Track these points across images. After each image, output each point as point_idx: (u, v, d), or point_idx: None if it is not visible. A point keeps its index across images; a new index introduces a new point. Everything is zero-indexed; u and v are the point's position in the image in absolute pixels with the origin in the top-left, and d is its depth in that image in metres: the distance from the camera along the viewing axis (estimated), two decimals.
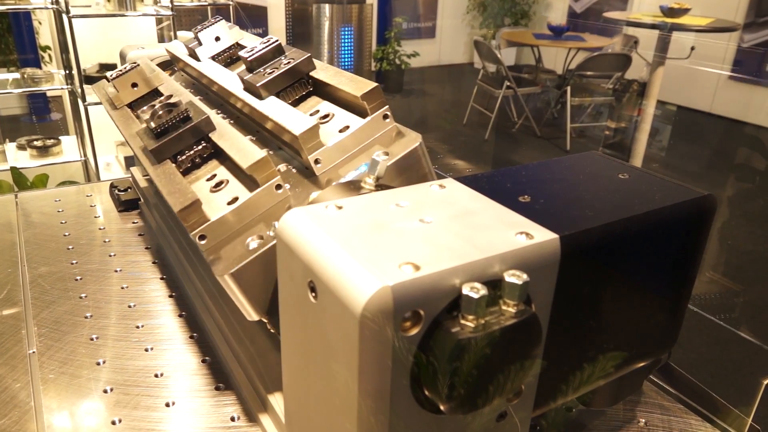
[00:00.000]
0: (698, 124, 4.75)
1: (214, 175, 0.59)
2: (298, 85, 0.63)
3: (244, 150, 0.55)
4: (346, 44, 5.06)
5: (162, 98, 0.62)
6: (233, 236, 0.51)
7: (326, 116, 0.60)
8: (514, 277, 0.35)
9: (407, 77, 5.76)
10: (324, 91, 0.63)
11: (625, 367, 0.49)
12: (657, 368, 0.60)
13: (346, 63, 5.13)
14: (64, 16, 2.34)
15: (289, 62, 0.62)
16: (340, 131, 0.56)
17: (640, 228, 0.44)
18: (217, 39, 0.77)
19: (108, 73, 0.78)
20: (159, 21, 2.76)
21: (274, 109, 0.59)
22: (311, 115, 0.61)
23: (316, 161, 0.53)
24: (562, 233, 0.39)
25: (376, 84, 0.54)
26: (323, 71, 0.62)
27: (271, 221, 0.51)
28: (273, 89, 0.61)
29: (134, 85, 0.75)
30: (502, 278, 0.35)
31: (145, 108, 0.62)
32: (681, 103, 4.88)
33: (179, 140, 0.59)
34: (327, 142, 0.53)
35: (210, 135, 0.60)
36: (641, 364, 0.51)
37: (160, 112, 0.59)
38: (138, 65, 0.77)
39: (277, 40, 0.64)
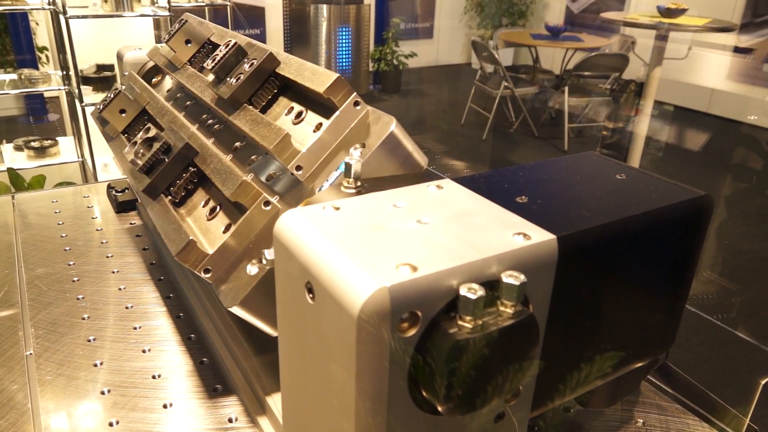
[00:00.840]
0: (695, 124, 4.76)
1: (209, 200, 0.60)
2: (267, 87, 0.62)
3: (225, 175, 0.56)
4: (344, 45, 5.06)
5: (141, 134, 0.63)
6: (236, 261, 0.53)
7: (299, 115, 0.59)
8: (512, 278, 0.35)
9: (405, 78, 5.77)
10: (293, 87, 0.63)
11: (622, 368, 0.49)
12: (655, 368, 0.60)
13: (344, 63, 5.13)
14: (61, 17, 2.34)
15: (252, 63, 0.61)
16: (315, 130, 0.56)
17: (637, 228, 0.44)
18: (187, 42, 0.77)
19: (99, 104, 0.79)
20: (156, 22, 2.76)
21: (245, 123, 0.59)
22: (286, 114, 0.61)
23: (298, 168, 0.53)
24: (560, 234, 0.39)
25: (337, 75, 0.53)
26: (287, 67, 0.61)
27: (269, 236, 0.52)
28: (243, 98, 0.61)
29: (122, 111, 0.76)
30: (499, 279, 0.35)
31: (127, 149, 0.62)
32: (678, 103, 4.89)
33: (166, 173, 0.61)
34: (304, 145, 0.53)
35: (195, 160, 0.61)
36: (639, 365, 0.51)
37: (142, 150, 0.60)
38: (120, 91, 0.77)
39: (235, 43, 0.63)
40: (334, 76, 0.53)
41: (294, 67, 0.60)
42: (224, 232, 0.56)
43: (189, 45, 0.76)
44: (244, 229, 0.52)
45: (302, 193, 0.53)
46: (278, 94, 0.63)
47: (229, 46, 0.62)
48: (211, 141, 0.66)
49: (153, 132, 0.62)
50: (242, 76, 0.60)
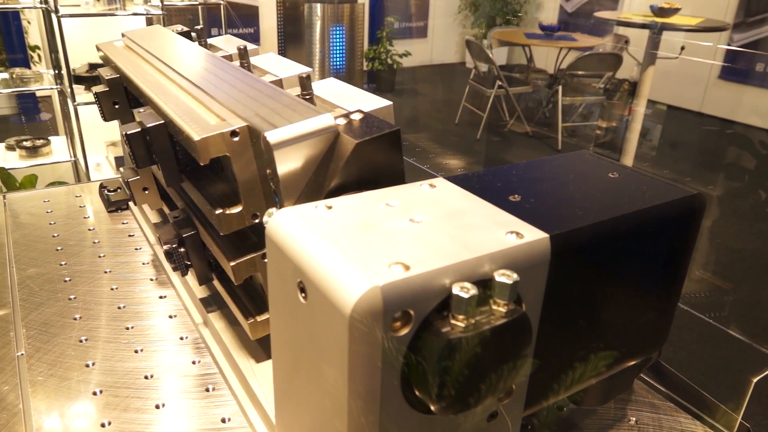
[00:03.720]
0: (688, 124, 4.79)
1: None
2: None
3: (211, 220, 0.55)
4: (338, 44, 5.05)
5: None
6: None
7: None
8: (504, 277, 0.35)
9: (399, 77, 5.76)
10: None
11: (615, 366, 0.49)
12: (647, 367, 0.60)
13: (338, 62, 5.12)
14: (53, 16, 2.33)
15: None
16: None
17: (630, 227, 0.44)
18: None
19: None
20: (149, 20, 2.75)
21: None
22: None
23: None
24: (552, 232, 0.39)
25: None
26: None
27: None
28: None
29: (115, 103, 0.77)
30: (492, 278, 0.35)
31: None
32: (671, 103, 4.91)
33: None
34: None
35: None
36: (632, 363, 0.51)
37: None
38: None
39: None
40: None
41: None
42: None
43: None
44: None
45: None
46: None
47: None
48: None
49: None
50: None
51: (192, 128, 0.51)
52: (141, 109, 0.62)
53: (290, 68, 0.71)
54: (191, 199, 0.61)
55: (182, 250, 0.63)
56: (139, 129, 0.59)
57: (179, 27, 0.90)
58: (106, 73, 0.78)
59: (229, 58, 0.77)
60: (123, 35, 0.87)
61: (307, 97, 0.59)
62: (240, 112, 0.52)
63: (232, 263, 0.54)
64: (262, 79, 0.60)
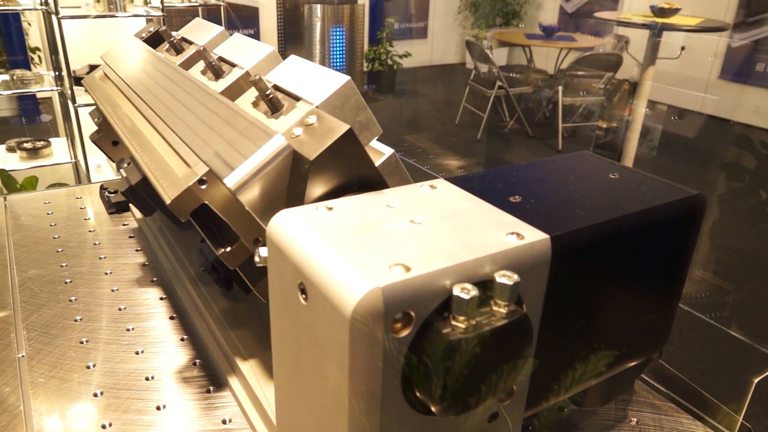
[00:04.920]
0: (688, 124, 4.78)
1: None
2: None
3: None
4: (338, 45, 5.05)
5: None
6: None
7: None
8: (505, 278, 0.35)
9: (399, 77, 5.76)
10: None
11: (616, 367, 0.49)
12: (648, 367, 0.60)
13: (338, 63, 5.12)
14: (54, 17, 2.33)
15: None
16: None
17: (630, 227, 0.44)
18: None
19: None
20: (149, 22, 2.75)
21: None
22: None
23: None
24: (553, 233, 0.39)
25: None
26: None
27: None
28: None
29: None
30: (492, 279, 0.35)
31: None
32: (671, 103, 4.91)
33: None
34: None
35: None
36: (633, 364, 0.51)
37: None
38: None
39: None
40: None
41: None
42: None
43: None
44: None
45: None
46: None
47: None
48: None
49: None
50: None
51: (164, 188, 0.52)
52: (124, 164, 0.62)
53: (254, 54, 0.71)
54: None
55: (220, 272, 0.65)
56: (128, 185, 0.60)
57: (151, 28, 0.91)
58: (94, 116, 0.80)
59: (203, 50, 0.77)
60: (102, 59, 0.89)
61: (269, 96, 0.58)
62: (202, 153, 0.52)
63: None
64: (220, 99, 0.59)
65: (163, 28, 0.89)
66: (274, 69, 0.63)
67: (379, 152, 0.56)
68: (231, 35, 0.81)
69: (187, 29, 0.89)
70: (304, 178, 0.46)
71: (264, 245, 0.44)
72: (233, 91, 0.68)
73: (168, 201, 0.50)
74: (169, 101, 0.65)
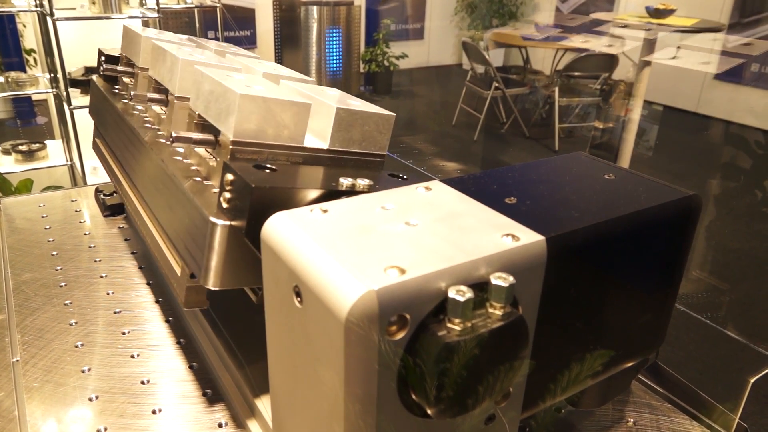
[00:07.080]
0: (684, 124, 4.80)
1: None
2: None
3: None
4: (334, 46, 5.05)
5: None
6: None
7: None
8: (501, 280, 0.35)
9: (396, 79, 5.77)
10: None
11: (613, 367, 0.49)
12: (645, 367, 0.60)
13: (335, 65, 5.12)
14: (49, 19, 2.32)
15: None
16: None
17: (626, 228, 0.44)
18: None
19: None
20: (145, 23, 2.74)
21: None
22: None
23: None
24: (548, 235, 0.39)
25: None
26: None
27: None
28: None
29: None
30: (488, 281, 0.35)
31: None
32: (667, 103, 4.92)
33: None
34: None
35: None
36: (629, 364, 0.51)
37: None
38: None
39: None
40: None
41: None
42: None
43: None
44: None
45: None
46: None
47: None
48: None
49: None
50: None
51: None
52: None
53: (174, 73, 0.67)
54: None
55: None
56: None
57: (114, 53, 0.91)
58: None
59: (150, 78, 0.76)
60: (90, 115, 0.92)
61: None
62: (179, 245, 0.56)
63: None
64: (171, 177, 0.59)
65: (119, 54, 0.88)
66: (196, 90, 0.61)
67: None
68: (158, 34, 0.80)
69: (124, 44, 0.87)
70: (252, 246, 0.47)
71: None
72: (178, 122, 0.67)
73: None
74: (143, 179, 0.67)
